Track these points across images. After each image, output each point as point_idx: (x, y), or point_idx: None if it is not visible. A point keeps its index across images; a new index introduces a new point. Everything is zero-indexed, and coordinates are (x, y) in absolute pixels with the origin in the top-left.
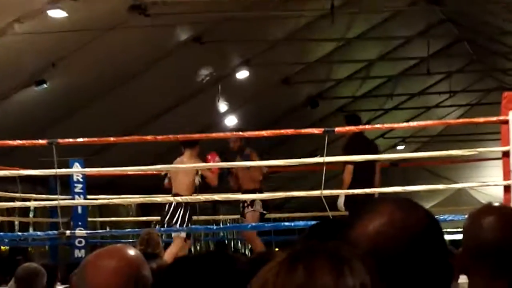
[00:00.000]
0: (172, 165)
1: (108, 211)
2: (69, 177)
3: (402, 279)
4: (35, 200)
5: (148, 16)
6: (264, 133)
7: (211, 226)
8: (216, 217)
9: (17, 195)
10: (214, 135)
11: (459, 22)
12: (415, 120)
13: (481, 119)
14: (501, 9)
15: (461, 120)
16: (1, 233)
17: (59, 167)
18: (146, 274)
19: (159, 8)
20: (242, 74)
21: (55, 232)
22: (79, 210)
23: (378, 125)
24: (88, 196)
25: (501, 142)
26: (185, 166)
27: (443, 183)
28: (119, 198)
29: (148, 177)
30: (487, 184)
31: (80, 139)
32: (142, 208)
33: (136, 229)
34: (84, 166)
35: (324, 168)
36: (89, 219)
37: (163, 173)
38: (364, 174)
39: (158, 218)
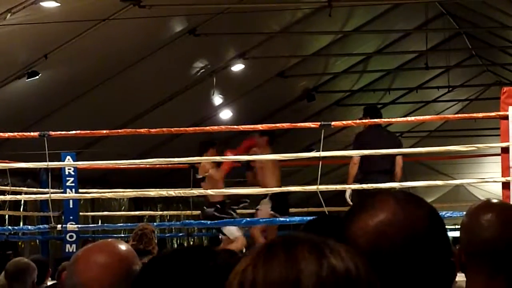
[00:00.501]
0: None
1: (100, 205)
2: (60, 170)
3: (403, 278)
4: (26, 193)
5: (142, 7)
6: (260, 126)
7: (205, 221)
8: None
9: (8, 188)
10: (208, 128)
11: (458, 16)
12: (413, 114)
13: (480, 115)
14: (501, 3)
15: (459, 115)
16: None
17: (51, 160)
18: (137, 270)
19: None
20: (238, 67)
21: (46, 226)
22: (71, 204)
23: (376, 120)
24: (80, 190)
25: (500, 138)
26: (211, 159)
27: (441, 179)
28: (111, 192)
29: (141, 171)
30: (485, 181)
31: (72, 132)
32: (134, 203)
33: (129, 224)
34: (76, 159)
35: (320, 163)
36: (81, 213)
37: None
38: (382, 164)
39: (150, 212)
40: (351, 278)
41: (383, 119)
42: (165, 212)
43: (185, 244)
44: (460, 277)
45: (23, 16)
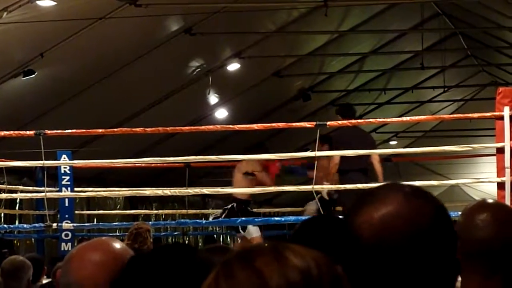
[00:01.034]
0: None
1: (95, 204)
2: (56, 169)
3: (406, 273)
4: (22, 191)
5: (139, 6)
6: (255, 126)
7: (200, 220)
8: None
9: (3, 186)
10: (204, 127)
11: (454, 16)
12: (408, 114)
13: (476, 115)
14: (496, 3)
15: (455, 116)
16: None
17: (46, 159)
18: None
19: None
20: (233, 67)
21: (42, 224)
22: (66, 202)
23: (371, 120)
24: (76, 189)
25: (496, 138)
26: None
27: (436, 179)
28: (107, 190)
29: (136, 170)
30: (481, 181)
31: (68, 131)
32: (130, 201)
33: (124, 223)
34: (72, 158)
35: (316, 162)
36: (76, 211)
37: None
38: (359, 163)
39: (146, 211)
40: (315, 274)
41: (378, 119)
42: (160, 211)
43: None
44: None
45: (19, 15)
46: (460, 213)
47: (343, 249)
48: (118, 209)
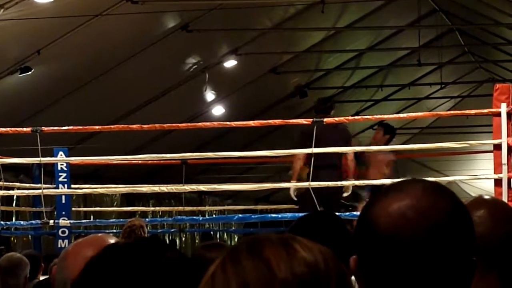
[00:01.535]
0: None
1: (92, 201)
2: (53, 165)
3: (420, 268)
4: (19, 188)
5: (135, 2)
6: (252, 123)
7: (197, 217)
8: (202, 208)
9: (0, 183)
10: (200, 124)
11: (451, 13)
12: (405, 111)
13: (473, 111)
14: (494, 0)
15: (452, 112)
16: None
17: (43, 156)
18: None
19: None
20: (230, 63)
21: (39, 221)
22: (63, 199)
23: (368, 116)
24: (72, 186)
25: (493, 135)
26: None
27: (433, 175)
28: (104, 187)
29: (133, 166)
30: (478, 177)
31: (64, 127)
32: (126, 198)
33: (121, 219)
34: (68, 154)
35: (313, 159)
36: (73, 208)
37: None
38: (330, 158)
39: (143, 208)
40: (322, 268)
41: (375, 116)
42: (157, 208)
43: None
44: None
45: (16, 12)
46: None
47: (359, 239)
48: (115, 206)
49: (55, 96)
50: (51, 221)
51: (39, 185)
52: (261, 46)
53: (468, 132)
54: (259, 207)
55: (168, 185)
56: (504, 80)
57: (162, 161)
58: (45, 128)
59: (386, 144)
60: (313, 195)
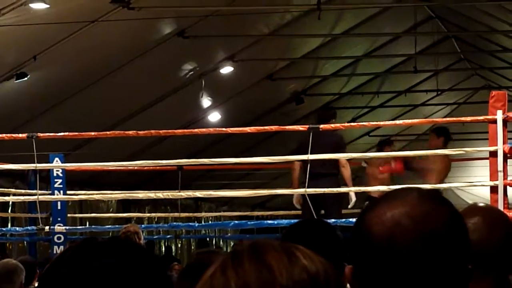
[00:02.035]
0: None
1: (88, 207)
2: (49, 171)
3: (415, 277)
4: (14, 194)
5: (132, 9)
6: (248, 129)
7: (193, 224)
8: (198, 214)
9: None
10: (197, 130)
11: (447, 20)
12: (401, 118)
13: (468, 118)
14: (490, 7)
15: (448, 119)
16: None
17: (39, 162)
18: None
19: (143, 1)
20: (226, 70)
21: (34, 227)
22: (59, 205)
23: (364, 123)
24: (68, 192)
25: (489, 142)
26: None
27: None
28: (99, 193)
29: (129, 173)
30: (474, 184)
31: (60, 134)
32: (122, 204)
33: (117, 226)
34: (64, 161)
35: (309, 166)
36: (69, 214)
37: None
38: (322, 167)
39: (139, 214)
40: (322, 278)
41: (371, 123)
42: (153, 214)
43: (173, 247)
44: None
45: (12, 18)
46: None
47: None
48: (111, 212)
49: (51, 102)
50: (47, 227)
51: (34, 191)
52: (258, 52)
53: (464, 139)
54: (255, 213)
55: (164, 191)
56: (500, 87)
57: (158, 167)
58: (41, 134)
59: (445, 146)
60: (309, 203)
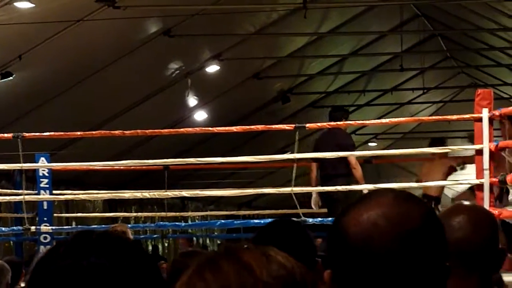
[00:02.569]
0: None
1: (74, 207)
2: (35, 171)
3: (393, 277)
4: (0, 194)
5: (117, 8)
6: (234, 128)
7: (179, 223)
8: (185, 214)
9: None
10: (183, 130)
11: (433, 18)
12: (387, 116)
13: (454, 117)
14: (476, 5)
15: (434, 117)
16: None
17: (25, 162)
18: None
19: (128, 0)
20: (212, 69)
21: (20, 227)
22: (45, 205)
23: (350, 122)
24: (54, 191)
25: (475, 140)
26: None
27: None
28: (86, 193)
29: (115, 172)
30: (459, 182)
31: (46, 133)
32: (109, 204)
33: (103, 225)
34: (50, 160)
35: (295, 165)
36: (55, 214)
37: None
38: (331, 168)
39: (125, 214)
40: (298, 273)
41: (357, 121)
42: (139, 214)
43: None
44: None
45: None
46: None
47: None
48: (97, 212)
49: (36, 101)
50: (33, 227)
51: (20, 191)
52: (244, 51)
53: (450, 137)
54: (242, 212)
55: (151, 191)
56: (486, 85)
57: (144, 167)
58: (27, 134)
59: None
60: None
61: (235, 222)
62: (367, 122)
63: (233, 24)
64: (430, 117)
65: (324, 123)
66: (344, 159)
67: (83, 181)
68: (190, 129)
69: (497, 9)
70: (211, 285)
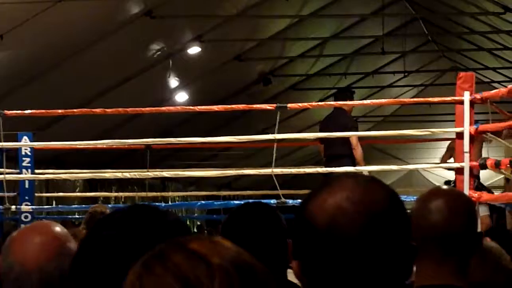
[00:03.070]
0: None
1: (54, 187)
2: (17, 150)
3: (361, 260)
4: None
5: None
6: (216, 107)
7: (160, 203)
8: (165, 194)
9: None
10: (164, 108)
11: (414, 1)
12: (368, 99)
13: (436, 99)
14: None
15: (415, 99)
16: None
17: (8, 141)
18: (71, 247)
19: None
20: (194, 50)
21: (1, 207)
22: (26, 184)
23: (331, 102)
24: (36, 171)
25: (455, 123)
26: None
27: (395, 163)
28: (67, 173)
29: (96, 152)
30: (440, 166)
31: (27, 111)
32: (89, 184)
33: (83, 205)
34: (33, 139)
35: (275, 146)
36: (36, 194)
37: None
38: (333, 149)
39: (105, 194)
40: (246, 255)
41: (338, 103)
42: (120, 194)
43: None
44: None
45: None
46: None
47: (298, 240)
48: (78, 192)
49: (19, 81)
50: (13, 207)
51: (1, 170)
52: (225, 33)
53: (431, 120)
54: (222, 193)
55: (131, 170)
56: (467, 69)
57: (126, 146)
58: (8, 112)
59: None
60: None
61: (215, 203)
62: (349, 103)
63: (215, 6)
64: (411, 99)
65: (306, 104)
66: (348, 140)
67: (63, 161)
68: (172, 107)
69: None
70: (164, 278)
